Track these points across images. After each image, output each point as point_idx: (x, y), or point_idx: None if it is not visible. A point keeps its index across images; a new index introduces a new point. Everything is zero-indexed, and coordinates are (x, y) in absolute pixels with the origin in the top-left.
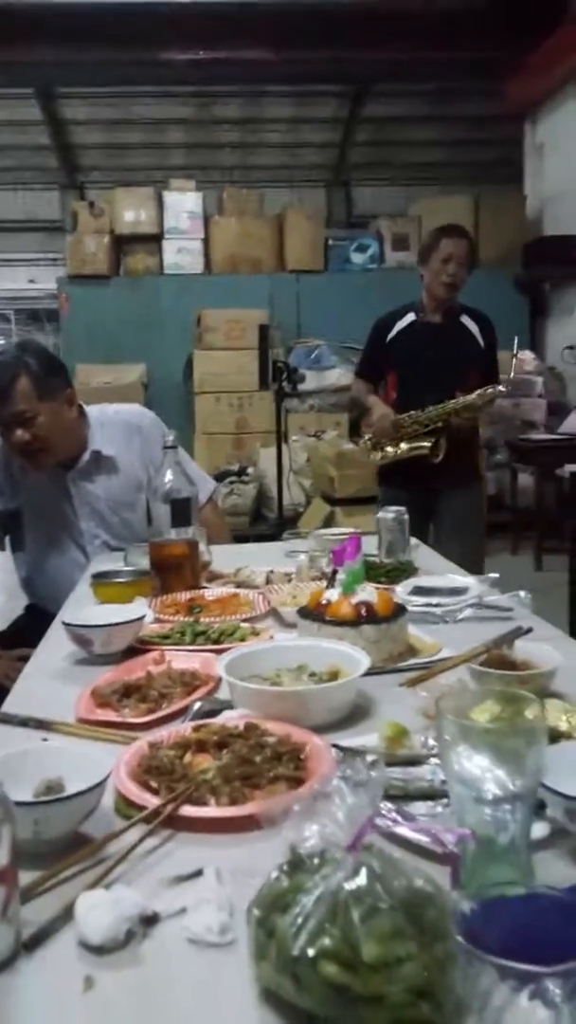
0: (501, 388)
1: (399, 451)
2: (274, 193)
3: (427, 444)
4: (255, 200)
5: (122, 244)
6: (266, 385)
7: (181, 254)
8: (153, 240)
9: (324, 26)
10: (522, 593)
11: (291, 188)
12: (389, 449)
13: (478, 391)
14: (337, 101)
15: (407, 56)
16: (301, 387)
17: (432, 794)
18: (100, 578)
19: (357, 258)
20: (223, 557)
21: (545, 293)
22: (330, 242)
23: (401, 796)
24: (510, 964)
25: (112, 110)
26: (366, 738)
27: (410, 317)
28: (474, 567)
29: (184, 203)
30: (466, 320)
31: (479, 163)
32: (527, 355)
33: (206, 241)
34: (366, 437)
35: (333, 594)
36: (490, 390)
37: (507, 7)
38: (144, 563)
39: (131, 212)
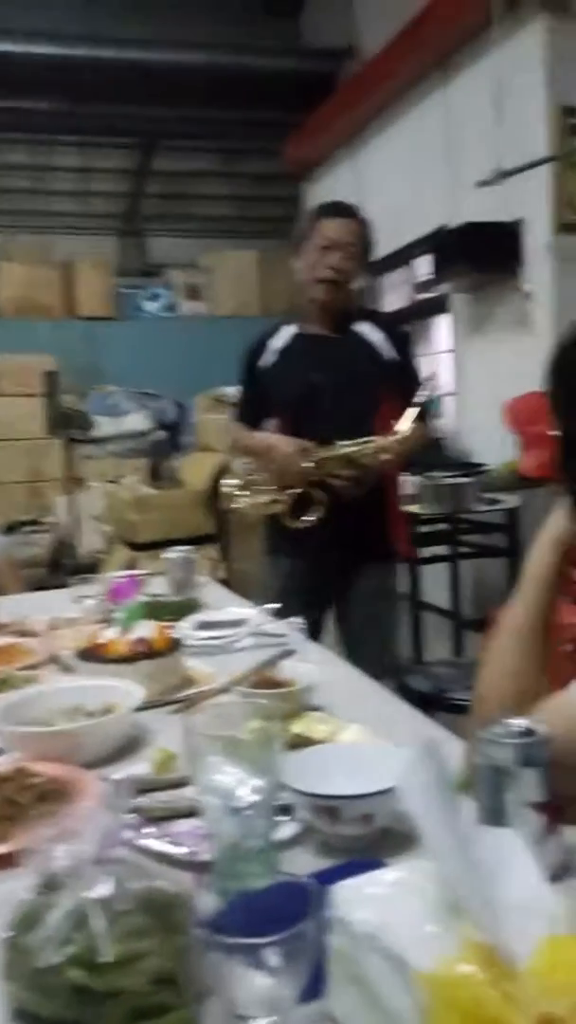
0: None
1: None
2: (65, 240)
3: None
4: (44, 246)
5: None
6: (56, 432)
7: None
8: None
9: (112, 81)
10: (295, 619)
11: (82, 236)
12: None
13: (405, 422)
14: (127, 153)
15: (194, 114)
16: (99, 433)
17: (194, 811)
18: None
19: (150, 306)
20: (10, 607)
21: None
22: (122, 290)
23: (165, 816)
24: (236, 941)
25: None
26: (138, 767)
27: (288, 332)
28: (385, 673)
29: None
30: (363, 328)
31: (265, 219)
32: None
33: None
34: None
35: (111, 633)
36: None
37: (288, 74)
38: None
39: None
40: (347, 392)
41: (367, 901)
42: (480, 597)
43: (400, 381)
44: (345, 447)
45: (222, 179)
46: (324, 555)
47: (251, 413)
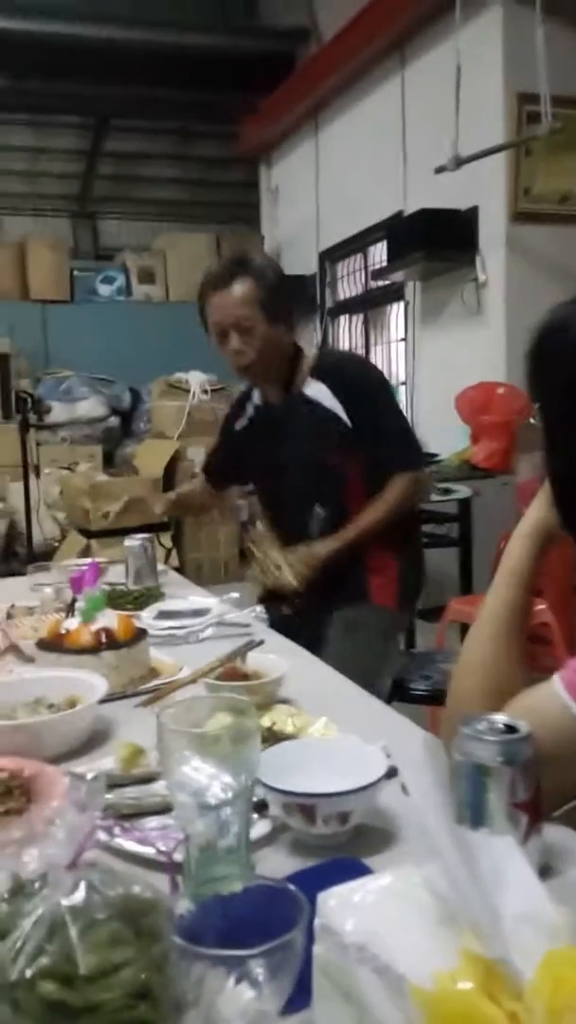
0: (415, 475)
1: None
2: (15, 221)
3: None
4: None
5: None
6: (9, 416)
7: None
8: None
9: (63, 58)
10: (259, 608)
11: (35, 217)
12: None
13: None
14: (78, 133)
15: (146, 93)
16: (52, 419)
17: (165, 808)
18: None
19: (104, 290)
20: None
21: None
22: (76, 273)
23: (134, 814)
24: (216, 952)
25: None
26: (103, 761)
27: (256, 399)
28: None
29: None
30: (313, 390)
31: (220, 203)
32: None
33: None
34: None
35: (72, 623)
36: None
37: (245, 55)
38: None
39: None
40: (305, 467)
41: (356, 909)
42: (432, 587)
43: (364, 444)
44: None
45: (176, 161)
46: (297, 604)
47: (219, 472)
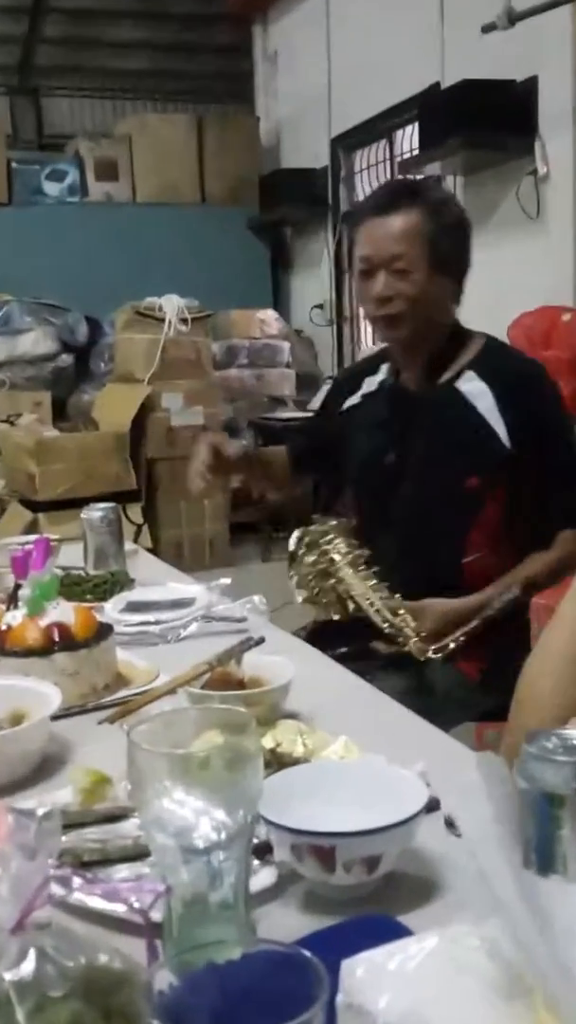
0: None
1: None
2: None
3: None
4: None
5: None
6: None
7: None
8: None
9: None
10: (256, 598)
11: None
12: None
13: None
14: None
15: None
16: None
17: (138, 853)
18: None
19: (51, 188)
20: None
21: (287, 239)
22: (15, 167)
23: (99, 861)
24: None
25: None
26: (58, 794)
27: (382, 373)
28: None
29: None
30: (470, 386)
31: (201, 74)
32: (269, 315)
33: None
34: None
35: (15, 617)
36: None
37: None
38: None
39: None
40: (429, 486)
41: (391, 981)
42: None
43: (523, 479)
44: (385, 610)
45: (143, 21)
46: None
47: (306, 453)
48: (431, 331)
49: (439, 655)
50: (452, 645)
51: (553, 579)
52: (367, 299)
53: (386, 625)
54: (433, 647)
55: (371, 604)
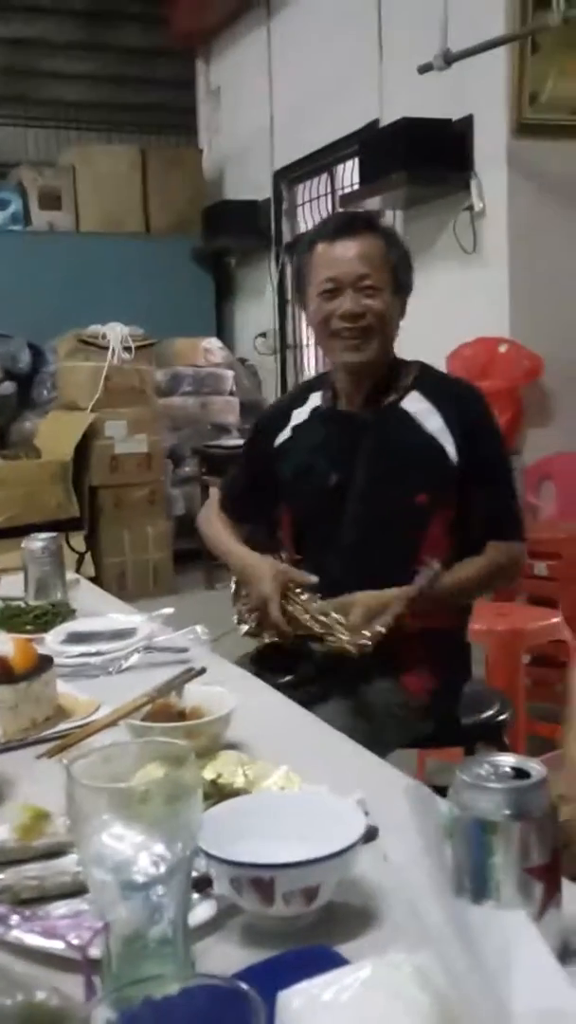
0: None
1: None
2: None
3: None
4: None
5: None
6: None
7: None
8: None
9: None
10: (199, 628)
11: None
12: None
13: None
14: None
15: None
16: None
17: (77, 890)
18: None
19: None
20: None
21: (230, 269)
22: None
23: (36, 898)
24: None
25: None
26: None
27: (313, 401)
28: None
29: None
30: (414, 404)
31: (146, 107)
32: (213, 343)
33: None
34: (245, 617)
35: None
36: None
37: None
38: None
39: None
40: (376, 505)
41: (327, 1011)
42: None
43: (470, 494)
44: (317, 614)
45: (88, 52)
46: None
47: (241, 502)
48: (386, 352)
49: (370, 642)
50: (382, 629)
51: (482, 587)
52: (332, 317)
53: (318, 626)
54: (365, 635)
55: (304, 613)
